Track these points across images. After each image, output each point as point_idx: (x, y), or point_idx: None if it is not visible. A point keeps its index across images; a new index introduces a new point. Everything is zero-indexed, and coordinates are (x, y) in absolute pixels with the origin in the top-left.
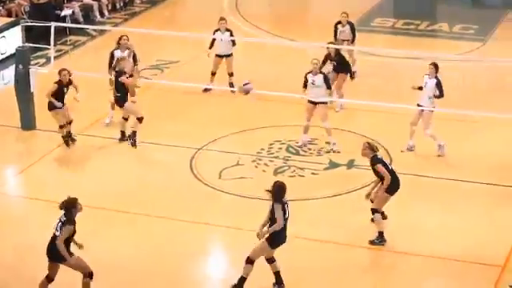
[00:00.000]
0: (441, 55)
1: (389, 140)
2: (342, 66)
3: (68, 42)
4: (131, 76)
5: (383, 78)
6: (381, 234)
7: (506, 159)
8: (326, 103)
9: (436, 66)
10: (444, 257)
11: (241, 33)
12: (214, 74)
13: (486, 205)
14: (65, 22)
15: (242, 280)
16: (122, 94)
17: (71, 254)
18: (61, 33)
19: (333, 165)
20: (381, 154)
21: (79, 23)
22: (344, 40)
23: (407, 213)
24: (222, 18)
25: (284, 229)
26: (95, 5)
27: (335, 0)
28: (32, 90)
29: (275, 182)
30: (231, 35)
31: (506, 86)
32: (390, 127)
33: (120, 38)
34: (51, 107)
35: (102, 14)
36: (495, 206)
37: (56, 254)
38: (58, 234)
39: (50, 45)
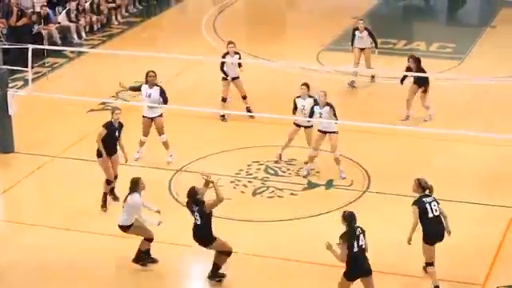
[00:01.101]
0: (418, 74)
1: (367, 159)
2: (423, 78)
3: (46, 64)
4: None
5: (361, 98)
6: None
7: (484, 178)
8: (336, 133)
9: (307, 86)
10: (424, 276)
11: (218, 54)
12: (224, 100)
13: (464, 223)
14: (42, 43)
15: None
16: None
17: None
18: (38, 55)
19: (311, 185)
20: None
21: (57, 45)
22: (362, 48)
23: (386, 232)
24: (230, 42)
25: (356, 258)
26: (72, 26)
27: (311, 20)
28: (10, 113)
29: (344, 212)
30: (239, 58)
31: (484, 104)
32: (370, 147)
33: (147, 75)
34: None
35: (79, 36)
36: (474, 224)
37: (207, 239)
38: (198, 222)
39: (27, 67)
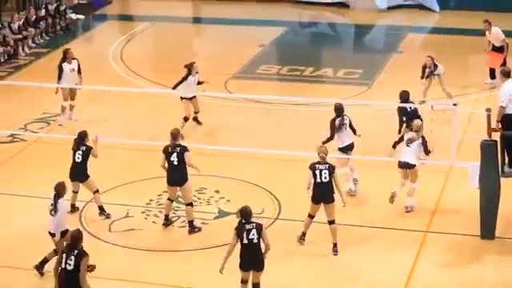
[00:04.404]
0: (326, 100)
1: (276, 187)
2: None
3: None
4: None
5: (270, 125)
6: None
7: (394, 203)
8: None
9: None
10: None
11: (128, 84)
12: (187, 119)
13: (376, 248)
14: None
15: None
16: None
17: None
18: None
19: (222, 214)
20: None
21: None
22: (438, 75)
23: (295, 258)
24: (193, 62)
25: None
26: None
27: (220, 48)
28: None
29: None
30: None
31: (392, 129)
32: (278, 174)
33: (66, 52)
34: None
35: None
36: (385, 249)
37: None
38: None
39: None
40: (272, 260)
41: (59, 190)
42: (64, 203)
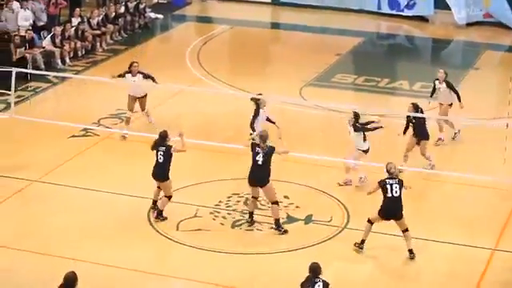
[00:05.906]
0: (400, 112)
1: (345, 195)
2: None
3: (29, 88)
4: None
5: (343, 134)
6: None
7: (463, 218)
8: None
9: None
10: None
11: (203, 85)
12: None
13: (443, 263)
14: (26, 68)
15: None
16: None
17: None
18: (21, 79)
19: (290, 219)
20: None
21: (40, 70)
22: (440, 104)
23: (362, 268)
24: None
25: None
26: (57, 52)
27: (296, 55)
28: None
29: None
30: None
31: (467, 142)
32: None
33: (131, 65)
34: None
35: (63, 62)
36: (452, 264)
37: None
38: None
39: (10, 90)
40: (337, 269)
41: None
42: None
